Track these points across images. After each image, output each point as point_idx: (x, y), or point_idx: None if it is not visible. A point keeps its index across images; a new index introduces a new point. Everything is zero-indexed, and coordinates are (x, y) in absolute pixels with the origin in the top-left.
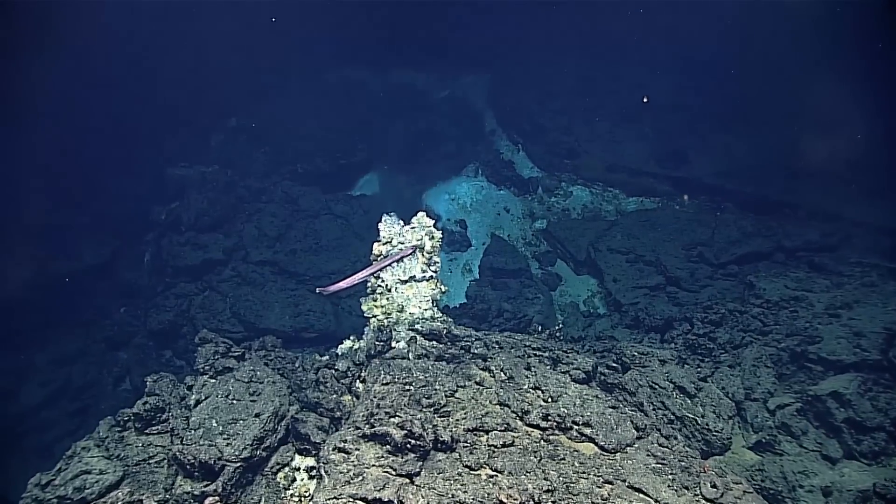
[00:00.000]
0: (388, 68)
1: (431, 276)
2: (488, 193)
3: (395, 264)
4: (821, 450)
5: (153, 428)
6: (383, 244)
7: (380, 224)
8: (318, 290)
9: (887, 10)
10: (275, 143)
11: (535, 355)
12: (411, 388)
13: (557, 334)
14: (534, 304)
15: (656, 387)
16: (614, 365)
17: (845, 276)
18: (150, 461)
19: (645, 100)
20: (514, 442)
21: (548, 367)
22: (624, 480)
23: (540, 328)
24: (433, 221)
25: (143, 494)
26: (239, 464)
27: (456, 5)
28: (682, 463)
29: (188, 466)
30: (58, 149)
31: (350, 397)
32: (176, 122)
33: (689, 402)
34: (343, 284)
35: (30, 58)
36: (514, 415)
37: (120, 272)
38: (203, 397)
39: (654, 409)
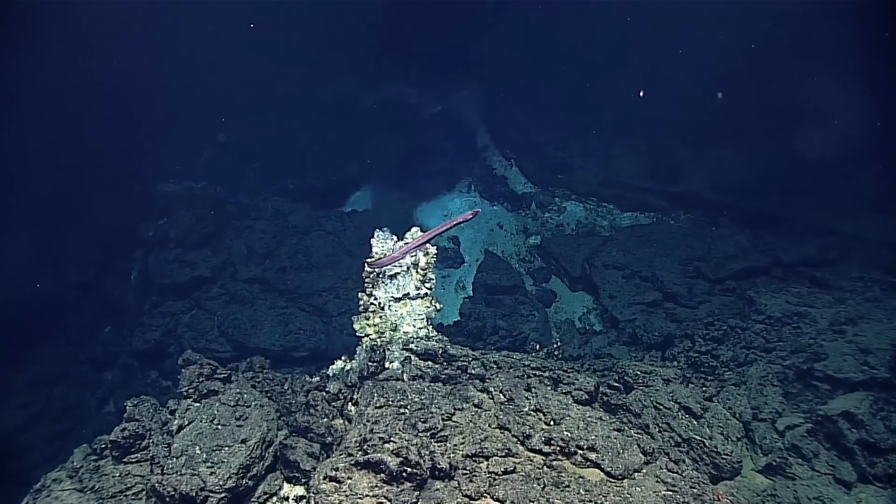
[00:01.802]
0: (379, 83)
1: (426, 294)
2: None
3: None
4: (834, 473)
5: (132, 456)
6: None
7: (372, 239)
8: (367, 263)
9: (887, 12)
10: (265, 158)
11: (535, 375)
12: (406, 411)
13: (556, 353)
14: (529, 322)
15: (661, 407)
16: (616, 384)
17: (847, 292)
18: (128, 493)
19: (641, 94)
20: (515, 468)
21: (548, 388)
22: None
23: (538, 346)
24: None
25: None
26: (223, 494)
27: (449, 20)
28: (694, 490)
29: (167, 499)
30: (44, 163)
31: (342, 421)
32: (164, 138)
33: (695, 423)
34: (396, 255)
35: (15, 74)
36: (515, 439)
37: (106, 290)
38: (186, 422)
39: (660, 432)
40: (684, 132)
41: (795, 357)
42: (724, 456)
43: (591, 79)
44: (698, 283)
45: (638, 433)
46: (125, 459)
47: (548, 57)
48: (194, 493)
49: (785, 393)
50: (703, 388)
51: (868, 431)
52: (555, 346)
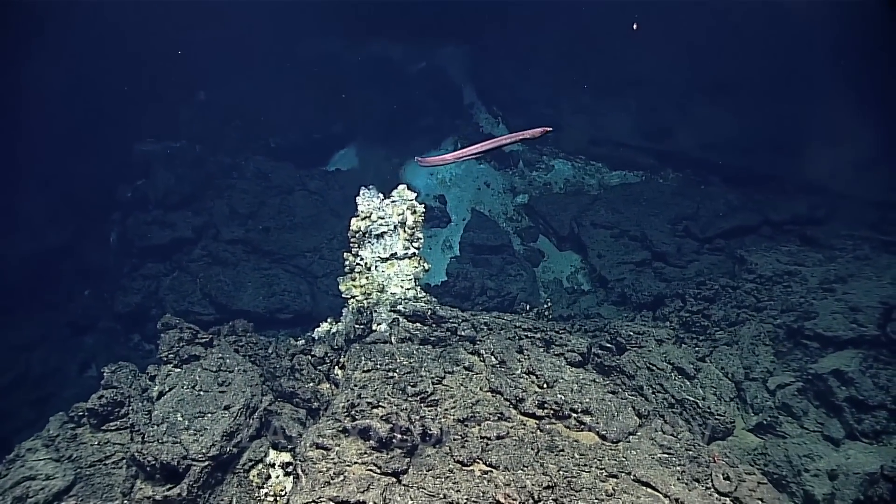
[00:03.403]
0: (362, 40)
1: (414, 253)
2: (468, 168)
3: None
4: (822, 430)
5: (111, 424)
6: (362, 219)
7: (358, 198)
8: (417, 159)
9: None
10: (246, 117)
11: (527, 337)
12: (395, 374)
13: (546, 313)
14: (517, 281)
15: (654, 368)
16: (609, 346)
17: (837, 250)
18: (107, 462)
19: (635, 26)
20: (508, 433)
21: (541, 350)
22: (629, 473)
23: (528, 307)
24: (414, 195)
25: (96, 502)
26: (206, 463)
27: None
28: (690, 452)
29: (148, 468)
30: (17, 124)
31: (328, 385)
32: (143, 97)
33: (688, 384)
34: (449, 157)
35: None
36: (508, 403)
37: (84, 253)
38: (167, 388)
39: (653, 393)
40: (674, 91)
41: (786, 316)
42: (717, 416)
43: (581, 35)
44: (687, 242)
45: (632, 395)
46: (104, 427)
47: (536, 12)
48: (176, 462)
49: (776, 352)
50: (696, 349)
51: (857, 389)
52: (545, 306)
